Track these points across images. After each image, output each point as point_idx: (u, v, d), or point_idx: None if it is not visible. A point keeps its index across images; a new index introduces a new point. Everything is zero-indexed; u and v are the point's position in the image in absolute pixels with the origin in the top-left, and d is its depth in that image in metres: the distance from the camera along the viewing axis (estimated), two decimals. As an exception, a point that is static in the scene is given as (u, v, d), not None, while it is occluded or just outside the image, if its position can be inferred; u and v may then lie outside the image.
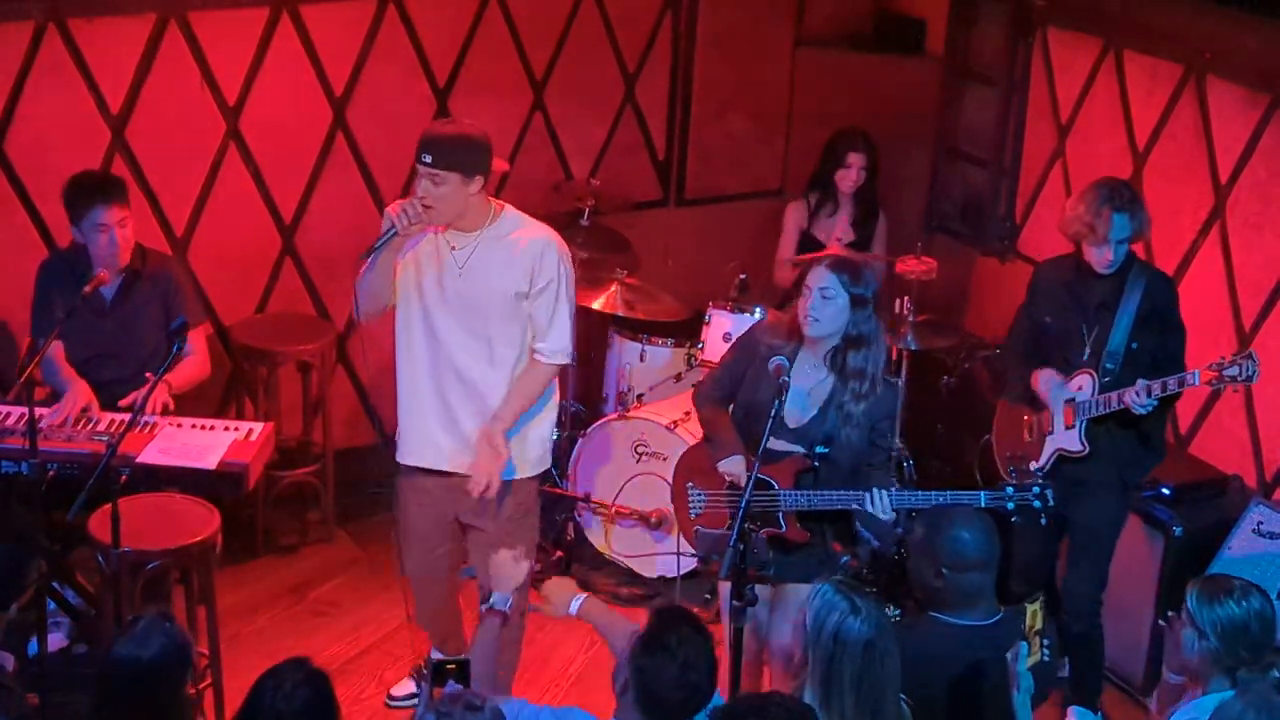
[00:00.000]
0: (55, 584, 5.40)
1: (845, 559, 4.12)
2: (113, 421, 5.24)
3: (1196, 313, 5.34)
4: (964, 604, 4.10)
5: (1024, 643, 4.03)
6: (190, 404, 5.55)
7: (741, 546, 4.18)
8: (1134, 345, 5.13)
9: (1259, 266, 5.98)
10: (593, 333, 7.01)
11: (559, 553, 6.51)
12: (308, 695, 3.50)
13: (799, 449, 4.68)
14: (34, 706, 4.84)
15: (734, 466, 4.72)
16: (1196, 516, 5.67)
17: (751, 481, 4.39)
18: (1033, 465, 5.30)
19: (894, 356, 6.57)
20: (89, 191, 5.43)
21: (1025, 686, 4.04)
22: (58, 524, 5.02)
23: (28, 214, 6.08)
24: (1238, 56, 5.97)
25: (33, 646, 5.15)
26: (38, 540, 5.03)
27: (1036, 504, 4.61)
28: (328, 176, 6.61)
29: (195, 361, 5.65)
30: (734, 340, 5.10)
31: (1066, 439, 5.20)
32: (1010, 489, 4.63)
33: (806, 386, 4.68)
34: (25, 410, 4.86)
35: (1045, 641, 4.06)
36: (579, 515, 6.55)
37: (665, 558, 6.29)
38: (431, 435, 5.01)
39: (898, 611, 5.61)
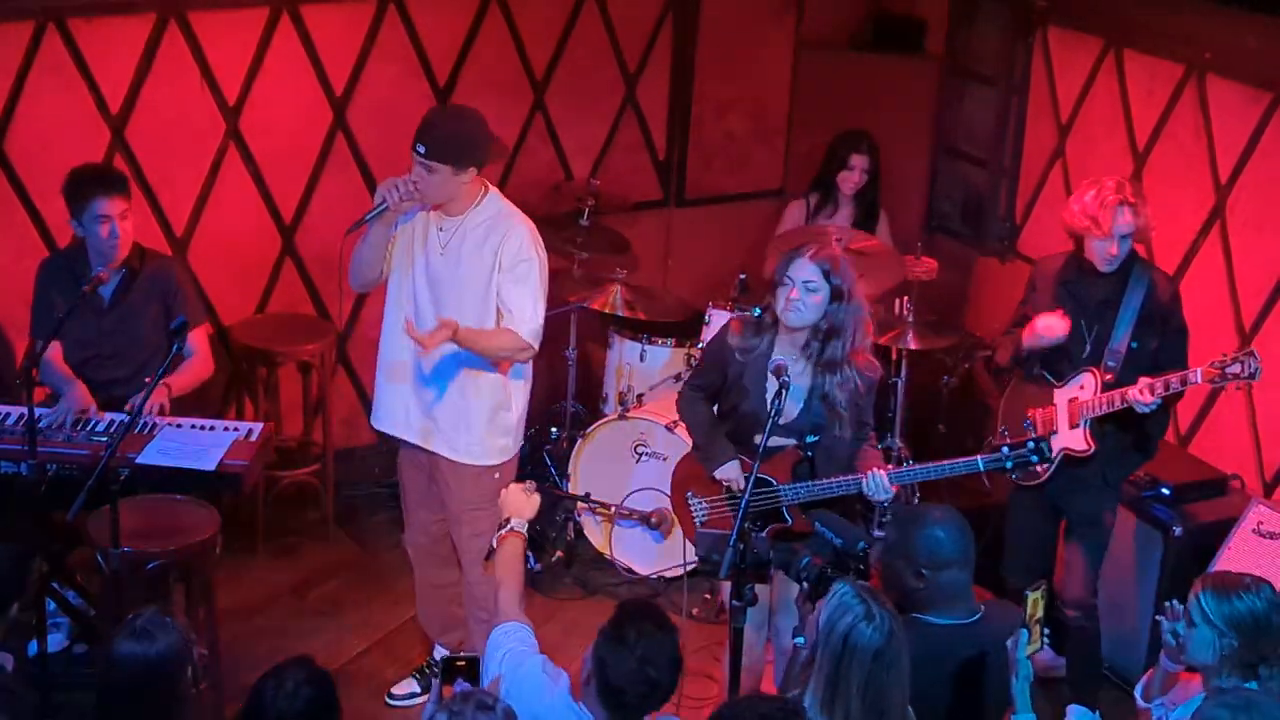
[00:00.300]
0: (55, 584, 5.39)
1: (807, 558, 4.11)
2: (112, 422, 5.24)
3: (1196, 313, 5.33)
4: (945, 603, 4.09)
5: (1024, 630, 4.03)
6: (190, 404, 5.54)
7: (741, 546, 4.18)
8: (1134, 344, 5.12)
9: (1259, 266, 5.97)
10: (593, 333, 7.02)
11: (559, 553, 6.51)
12: (310, 694, 3.50)
13: (791, 442, 4.74)
14: (34, 706, 4.85)
15: (730, 472, 4.82)
16: (1196, 516, 5.67)
17: (751, 482, 4.41)
18: (1039, 466, 5.29)
19: (894, 357, 6.58)
20: (90, 183, 5.43)
21: (1025, 674, 4.04)
22: (58, 524, 5.02)
23: (28, 214, 6.08)
24: (1238, 56, 5.97)
25: (33, 646, 5.15)
26: (38, 540, 5.03)
27: (1034, 459, 4.63)
28: (328, 176, 6.61)
29: (198, 361, 5.64)
30: (703, 350, 5.13)
31: (1071, 438, 5.19)
32: (1005, 449, 4.66)
33: (791, 380, 4.71)
34: (25, 411, 4.86)
35: (1046, 630, 4.06)
36: (579, 515, 6.55)
37: (664, 558, 6.30)
38: (405, 405, 5.16)
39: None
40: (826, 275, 4.66)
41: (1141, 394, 4.96)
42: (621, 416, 6.38)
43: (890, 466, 4.75)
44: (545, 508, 6.50)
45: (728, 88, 7.40)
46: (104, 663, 3.74)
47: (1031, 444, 4.62)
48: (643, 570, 6.39)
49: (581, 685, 3.75)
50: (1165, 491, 5.70)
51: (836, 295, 4.68)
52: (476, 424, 5.11)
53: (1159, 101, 6.33)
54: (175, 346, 4.88)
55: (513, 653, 3.91)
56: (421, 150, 4.82)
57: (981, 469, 4.68)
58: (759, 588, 4.34)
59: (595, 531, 6.54)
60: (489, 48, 6.79)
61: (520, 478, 6.67)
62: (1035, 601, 4.09)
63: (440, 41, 6.69)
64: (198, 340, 5.65)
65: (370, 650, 5.89)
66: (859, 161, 6.68)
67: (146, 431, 5.18)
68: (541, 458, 6.83)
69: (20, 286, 5.70)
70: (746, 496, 4.31)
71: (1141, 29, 6.40)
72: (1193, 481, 5.82)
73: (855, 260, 6.32)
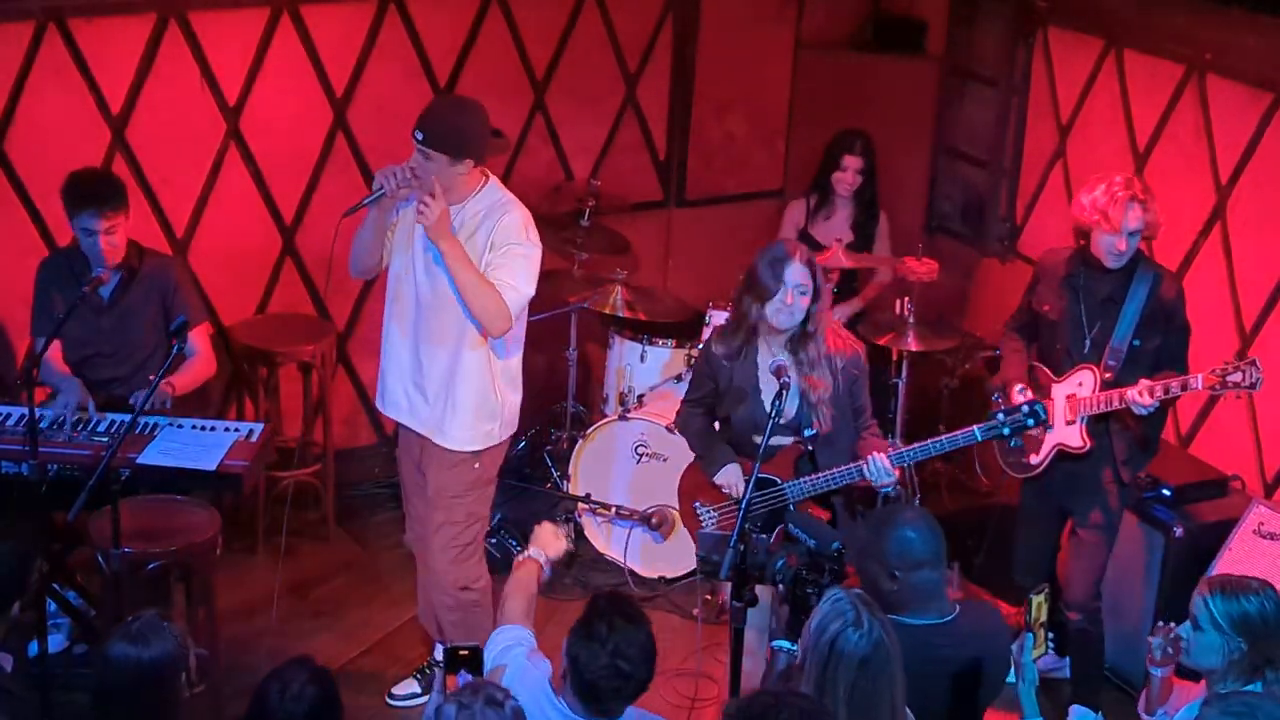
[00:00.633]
0: (55, 584, 5.39)
1: (782, 560, 4.13)
2: (113, 423, 5.24)
3: (1197, 313, 5.33)
4: (919, 604, 4.09)
5: (1030, 634, 4.02)
6: (190, 404, 5.54)
7: (742, 546, 4.18)
8: (1136, 343, 5.13)
9: (1259, 266, 5.97)
10: (593, 333, 7.02)
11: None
12: (315, 694, 3.50)
13: (790, 439, 4.81)
14: (34, 707, 4.84)
15: (730, 475, 4.91)
16: (1196, 516, 5.67)
17: (752, 481, 4.44)
18: (1032, 459, 5.31)
19: (894, 357, 6.58)
20: (81, 197, 5.44)
21: (1030, 679, 4.04)
22: (58, 524, 5.02)
23: (28, 214, 6.07)
24: (1238, 56, 5.97)
25: (33, 647, 5.15)
26: (38, 540, 5.03)
27: (1030, 422, 4.66)
28: (328, 176, 6.61)
29: (200, 360, 5.65)
30: (693, 366, 5.18)
31: (1067, 434, 5.20)
32: (1000, 415, 4.69)
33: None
34: (25, 411, 4.86)
35: (1050, 635, 4.05)
36: (579, 515, 6.55)
37: (663, 558, 6.30)
38: (404, 388, 5.20)
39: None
40: (814, 278, 4.79)
41: (1140, 395, 4.96)
42: (622, 417, 6.38)
43: (891, 448, 4.80)
44: (545, 508, 6.55)
45: (728, 88, 7.39)
46: (99, 666, 3.75)
47: (1026, 408, 4.66)
48: (643, 571, 6.39)
49: (560, 680, 3.79)
50: (1166, 492, 5.70)
51: (816, 295, 4.82)
52: (463, 407, 5.11)
53: (1159, 101, 6.33)
54: (176, 346, 4.89)
55: (505, 649, 3.98)
56: (420, 137, 4.87)
57: (979, 438, 4.72)
58: (759, 588, 4.34)
59: (595, 531, 6.54)
60: (489, 48, 6.79)
61: (521, 478, 6.76)
62: (1039, 605, 4.09)
63: (440, 41, 6.69)
64: (199, 339, 5.65)
65: (370, 650, 5.89)
66: (852, 162, 6.68)
67: (147, 432, 5.18)
68: (541, 458, 6.83)
69: (20, 286, 5.70)
70: (746, 496, 4.34)
71: (1141, 29, 6.40)
72: (1193, 482, 5.82)
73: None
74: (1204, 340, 5.42)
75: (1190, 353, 5.21)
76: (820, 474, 4.79)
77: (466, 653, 3.80)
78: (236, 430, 5.27)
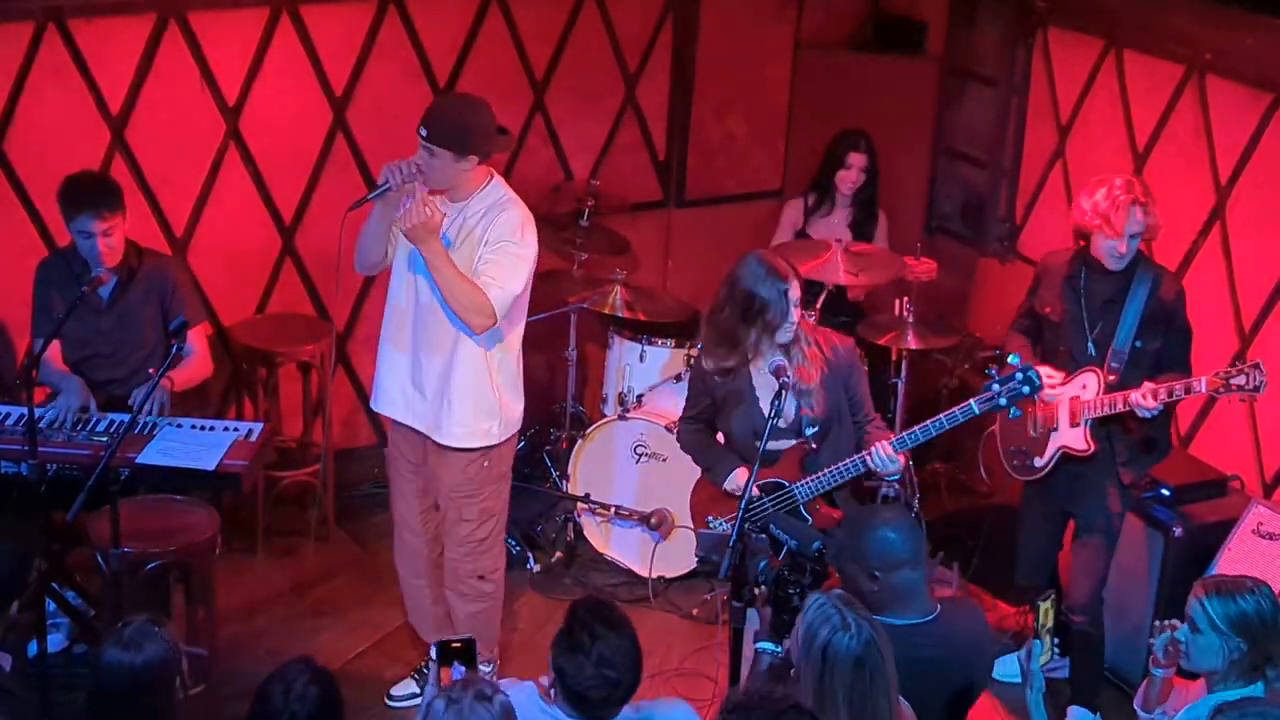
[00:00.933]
0: (54, 584, 5.39)
1: (764, 561, 4.13)
2: (112, 422, 5.24)
3: (1197, 313, 5.33)
4: (900, 604, 4.09)
5: (1038, 641, 4.02)
6: (190, 404, 5.54)
7: (741, 546, 4.18)
8: (1138, 344, 5.12)
9: (1259, 266, 5.97)
10: (592, 333, 7.02)
11: (558, 553, 6.51)
12: (318, 694, 3.51)
13: (793, 441, 4.82)
14: (34, 707, 4.85)
15: (740, 480, 4.86)
16: (1196, 516, 5.66)
17: (752, 480, 4.44)
18: (1036, 462, 5.30)
19: (894, 357, 6.58)
20: (77, 201, 5.44)
21: (1038, 686, 4.03)
22: (57, 524, 5.02)
23: (27, 214, 6.07)
24: (1238, 56, 5.97)
25: (33, 647, 5.15)
26: (37, 540, 5.03)
27: (1025, 389, 4.64)
28: (328, 176, 6.61)
29: (198, 360, 5.65)
30: (688, 382, 5.18)
31: (1071, 437, 5.19)
32: (995, 385, 4.66)
33: (777, 385, 4.74)
34: (25, 411, 4.86)
35: (1055, 640, 4.05)
36: (578, 515, 6.55)
37: (662, 558, 6.30)
38: (401, 386, 5.20)
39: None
40: (800, 289, 4.81)
41: (1144, 398, 4.96)
42: (621, 417, 6.38)
43: (892, 434, 4.81)
44: (545, 508, 6.54)
45: (728, 88, 7.39)
46: (92, 670, 3.75)
47: (1020, 374, 4.63)
48: (643, 571, 6.39)
49: (549, 688, 3.78)
50: (1165, 492, 5.69)
51: (804, 304, 4.87)
52: (460, 405, 5.11)
53: (1159, 101, 6.33)
54: (175, 347, 4.89)
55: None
56: (424, 133, 4.89)
57: (977, 411, 4.68)
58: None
59: (595, 532, 6.54)
60: (489, 48, 6.79)
61: (520, 477, 6.75)
62: (1046, 611, 4.09)
63: (440, 41, 6.69)
64: (196, 339, 5.65)
65: (369, 650, 5.89)
66: (857, 160, 6.68)
67: (146, 431, 5.18)
68: (541, 458, 6.83)
69: (20, 286, 5.70)
70: (746, 496, 4.34)
71: (1141, 29, 6.40)
72: (1193, 482, 5.81)
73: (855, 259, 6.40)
74: (1204, 340, 5.42)
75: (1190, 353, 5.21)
76: (825, 470, 4.79)
77: (459, 645, 3.80)
78: (236, 430, 5.27)
